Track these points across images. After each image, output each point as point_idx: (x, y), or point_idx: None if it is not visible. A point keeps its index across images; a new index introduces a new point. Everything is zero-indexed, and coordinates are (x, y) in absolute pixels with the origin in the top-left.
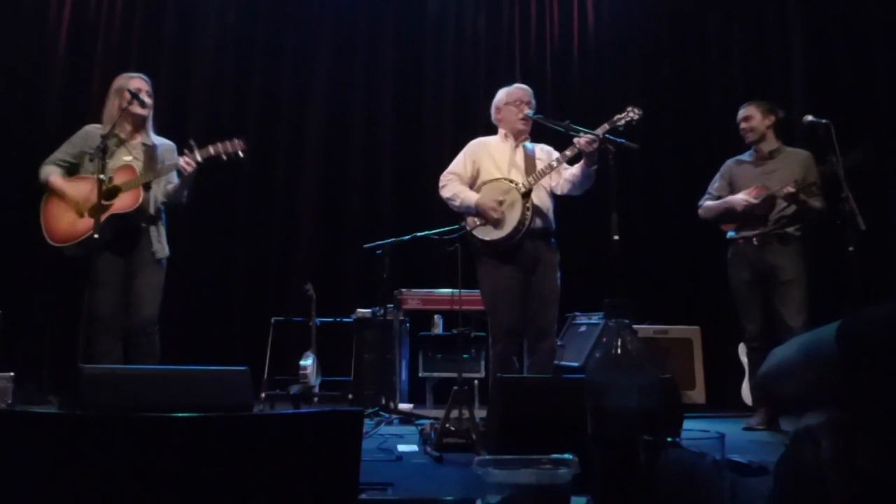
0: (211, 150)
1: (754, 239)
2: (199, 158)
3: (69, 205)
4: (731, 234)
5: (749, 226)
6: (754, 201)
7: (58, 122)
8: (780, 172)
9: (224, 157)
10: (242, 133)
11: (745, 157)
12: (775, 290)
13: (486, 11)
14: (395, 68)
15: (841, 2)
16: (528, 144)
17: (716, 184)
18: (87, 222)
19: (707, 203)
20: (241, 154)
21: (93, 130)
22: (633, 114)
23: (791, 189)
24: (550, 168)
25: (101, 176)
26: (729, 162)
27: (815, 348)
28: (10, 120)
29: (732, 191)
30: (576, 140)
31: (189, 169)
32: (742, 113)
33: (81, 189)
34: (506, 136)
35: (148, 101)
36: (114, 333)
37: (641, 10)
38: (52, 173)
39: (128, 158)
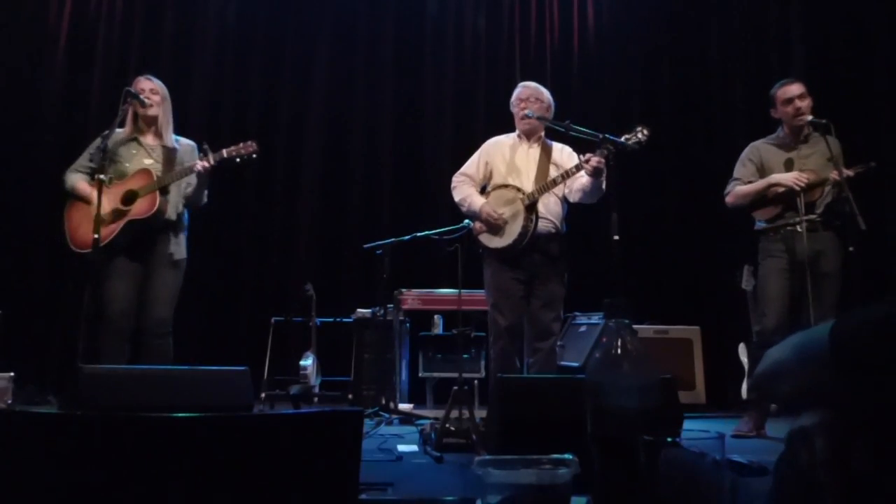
0: (224, 153)
1: (798, 226)
2: (212, 161)
3: (91, 211)
4: (761, 223)
5: (791, 212)
6: (804, 184)
7: (58, 123)
8: (816, 157)
9: (238, 160)
10: (242, 133)
11: (772, 139)
12: (814, 281)
13: (486, 11)
14: (395, 68)
15: (841, 2)
16: (551, 143)
17: (743, 168)
18: (105, 228)
19: (738, 188)
20: (254, 156)
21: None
22: (641, 134)
23: (841, 173)
24: (554, 184)
25: (102, 176)
26: (756, 144)
27: (809, 348)
28: (10, 120)
29: (763, 175)
30: (584, 166)
31: (202, 172)
32: (798, 90)
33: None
34: (520, 135)
35: (149, 101)
36: (121, 334)
37: (641, 10)
38: (78, 181)
39: (148, 162)
